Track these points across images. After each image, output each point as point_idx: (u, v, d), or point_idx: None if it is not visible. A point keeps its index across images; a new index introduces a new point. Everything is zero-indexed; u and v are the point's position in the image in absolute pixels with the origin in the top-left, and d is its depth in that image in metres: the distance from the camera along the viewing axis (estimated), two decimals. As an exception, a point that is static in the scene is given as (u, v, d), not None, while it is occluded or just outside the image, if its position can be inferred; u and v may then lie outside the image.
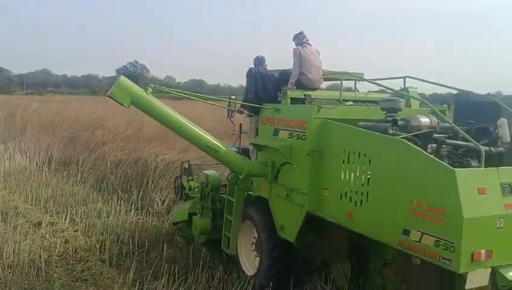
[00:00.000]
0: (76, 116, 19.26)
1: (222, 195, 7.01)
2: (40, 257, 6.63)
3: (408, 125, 4.73)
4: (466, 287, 3.82)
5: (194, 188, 7.66)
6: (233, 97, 6.84)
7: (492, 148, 4.66)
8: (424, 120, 4.78)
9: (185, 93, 7.06)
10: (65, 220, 8.58)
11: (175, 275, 6.27)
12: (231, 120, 6.90)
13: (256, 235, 6.27)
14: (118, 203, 9.70)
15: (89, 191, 10.96)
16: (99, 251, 7.26)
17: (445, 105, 5.99)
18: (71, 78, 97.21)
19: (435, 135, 4.77)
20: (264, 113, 6.15)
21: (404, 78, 5.81)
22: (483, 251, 3.72)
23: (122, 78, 5.89)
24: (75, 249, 7.23)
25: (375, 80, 6.08)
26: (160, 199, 9.84)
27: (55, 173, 12.90)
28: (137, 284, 6.10)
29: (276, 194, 5.81)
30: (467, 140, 4.47)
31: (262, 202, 6.10)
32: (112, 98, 5.83)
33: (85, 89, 74.28)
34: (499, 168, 4.04)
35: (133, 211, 9.03)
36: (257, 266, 6.18)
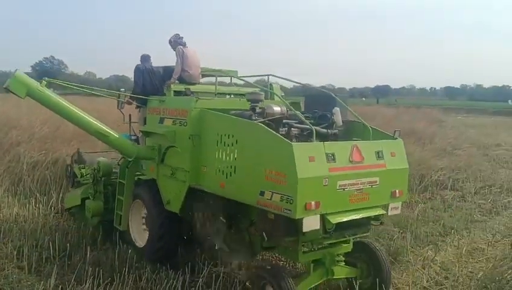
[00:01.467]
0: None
1: (113, 180, 7.65)
2: (-51, 268, 6.16)
3: (264, 113, 5.77)
4: (303, 230, 4.92)
5: (86, 175, 8.29)
6: (122, 90, 7.79)
7: (329, 130, 6.00)
8: (276, 108, 5.83)
9: (78, 87, 7.85)
10: (-24, 227, 8.03)
11: (100, 278, 6.05)
12: (121, 111, 7.77)
13: (146, 212, 7.05)
14: (36, 206, 9.20)
15: (4, 195, 10.26)
16: (17, 258, 6.83)
17: (303, 97, 7.23)
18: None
19: (285, 120, 5.81)
20: (150, 104, 7.04)
21: (268, 76, 6.89)
22: (313, 202, 4.83)
23: (18, 72, 6.48)
24: (-11, 258, 6.78)
25: (244, 76, 7.35)
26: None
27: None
28: (59, 290, 5.83)
29: (163, 174, 6.67)
30: (312, 124, 5.71)
31: (151, 183, 6.97)
32: (8, 90, 6.40)
33: (-3, 87, 69.52)
34: (325, 142, 5.20)
35: (52, 215, 8.63)
36: (146, 238, 6.94)
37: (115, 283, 6.01)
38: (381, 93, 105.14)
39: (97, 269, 6.27)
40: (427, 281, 6.71)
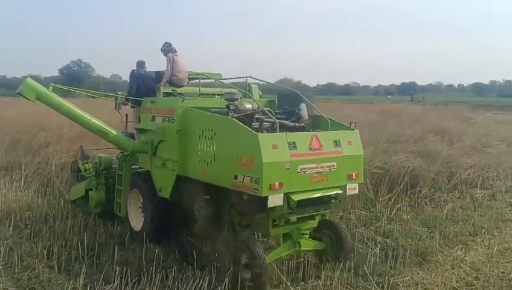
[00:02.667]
0: (18, 119, 18.39)
1: (113, 172, 8.65)
2: (-17, 267, 6.32)
3: (237, 109, 6.70)
4: (268, 206, 5.80)
5: (89, 169, 9.15)
6: (119, 93, 8.69)
7: (297, 124, 6.86)
8: (248, 106, 6.79)
9: (79, 90, 9.47)
10: (9, 227, 8.21)
11: (127, 277, 6.13)
12: (118, 111, 8.60)
13: (142, 200, 7.91)
14: (64, 207, 9.40)
15: (34, 196, 10.54)
16: (47, 258, 6.98)
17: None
18: (11, 79, 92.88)
19: (258, 116, 6.72)
20: (144, 105, 7.96)
21: (246, 77, 7.67)
22: (277, 183, 5.73)
23: (29, 79, 7.61)
24: (21, 257, 6.91)
25: (224, 79, 8.44)
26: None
27: (-5, 180, 12.31)
28: (88, 289, 5.92)
29: (155, 165, 7.57)
30: (283, 119, 6.80)
31: (146, 174, 7.83)
32: (21, 95, 7.49)
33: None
34: (287, 133, 6.13)
35: (81, 215, 8.77)
36: (142, 222, 7.79)
37: (142, 282, 6.08)
38: (407, 90, 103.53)
39: (125, 268, 6.37)
40: (456, 282, 6.58)
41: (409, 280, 6.54)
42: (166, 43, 8.13)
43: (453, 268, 6.99)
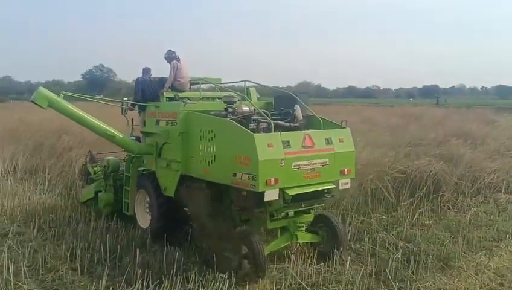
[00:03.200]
0: (41, 123, 18.76)
1: (121, 174, 9.09)
2: (8, 268, 6.42)
3: (235, 112, 7.11)
4: (264, 200, 6.20)
5: (98, 172, 9.55)
6: (125, 98, 9.08)
7: (291, 124, 7.28)
8: (245, 108, 7.22)
9: (88, 97, 9.68)
10: (33, 229, 8.39)
11: (149, 279, 6.19)
12: (125, 116, 9.02)
13: (148, 199, 8.30)
14: (87, 210, 9.53)
15: (57, 198, 10.73)
16: (70, 260, 7.09)
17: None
18: (35, 84, 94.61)
19: (255, 117, 7.04)
20: (148, 109, 8.36)
21: (244, 81, 7.97)
22: (272, 179, 6.14)
23: (41, 88, 8.06)
24: (45, 259, 7.04)
25: (224, 83, 8.78)
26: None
27: (21, 182, 12.57)
28: (110, 291, 6.00)
29: (160, 166, 7.97)
30: (279, 119, 7.28)
31: (152, 175, 8.21)
32: (34, 103, 7.88)
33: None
34: (281, 132, 6.55)
35: (103, 217, 8.88)
36: (149, 220, 8.21)
37: (163, 284, 6.12)
38: (429, 93, 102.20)
39: (146, 270, 6.41)
40: (480, 288, 6.46)
41: (431, 285, 6.46)
42: (170, 50, 8.53)
43: (476, 274, 6.87)
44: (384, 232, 8.60)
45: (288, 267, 6.84)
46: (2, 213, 9.62)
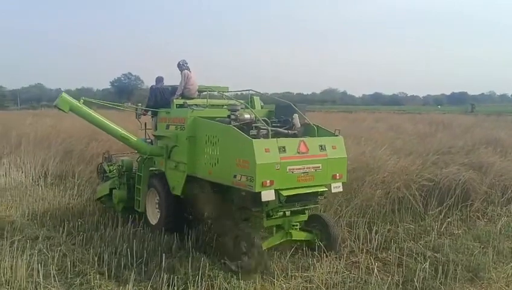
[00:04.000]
0: (71, 130, 19.18)
1: (134, 174, 9.74)
2: (38, 272, 6.58)
3: (237, 119, 7.60)
4: (262, 200, 6.75)
5: (113, 171, 10.34)
6: (139, 104, 9.69)
7: (290, 131, 7.78)
8: (246, 116, 7.72)
9: (105, 103, 10.15)
10: (62, 233, 8.56)
11: (174, 285, 6.24)
12: (139, 120, 9.64)
13: (158, 198, 8.90)
14: (115, 215, 9.68)
15: (86, 203, 10.93)
16: (98, 264, 7.20)
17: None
18: (65, 92, 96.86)
19: (255, 124, 7.55)
20: (160, 115, 9.00)
21: (249, 90, 8.87)
22: (268, 181, 6.68)
23: (64, 94, 8.84)
24: (73, 263, 7.18)
25: (229, 92, 9.51)
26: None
27: (51, 187, 12.85)
28: (136, 296, 6.07)
29: (169, 166, 8.60)
30: (278, 127, 7.82)
31: (161, 174, 8.88)
32: (57, 107, 8.73)
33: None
34: (278, 139, 7.05)
35: (130, 222, 9.00)
36: (158, 217, 8.84)
37: (188, 290, 6.15)
38: (457, 100, 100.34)
39: (172, 276, 6.48)
40: (512, 300, 6.28)
41: (460, 296, 6.31)
42: (183, 60, 9.22)
43: (507, 286, 6.71)
44: (412, 242, 8.45)
45: (313, 275, 6.80)
46: (33, 217, 9.86)
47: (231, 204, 7.75)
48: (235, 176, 6.93)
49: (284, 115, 8.20)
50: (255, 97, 9.18)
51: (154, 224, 8.87)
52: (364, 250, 7.92)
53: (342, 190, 7.75)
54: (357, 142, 13.25)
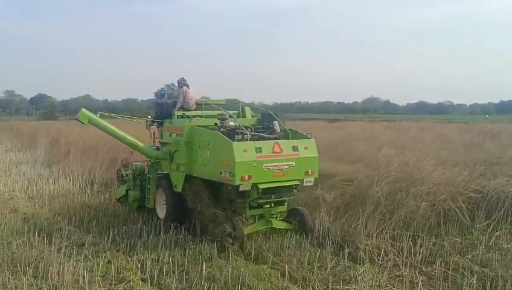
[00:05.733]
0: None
1: (146, 176, 11.09)
2: (84, 277, 6.77)
3: (223, 126, 8.97)
4: (239, 190, 8.25)
5: (129, 175, 11.70)
6: (149, 117, 11.18)
7: (271, 136, 9.15)
8: (231, 123, 9.07)
9: (118, 116, 12.12)
10: (107, 240, 8.79)
11: (215, 294, 6.26)
12: (149, 130, 11.04)
13: (164, 195, 10.28)
14: (157, 222, 9.85)
15: (130, 211, 11.19)
16: (141, 271, 7.35)
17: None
18: (112, 102, 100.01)
19: (240, 130, 8.89)
20: (164, 125, 10.51)
21: (239, 103, 10.66)
22: (246, 176, 8.13)
23: (83, 109, 10.49)
24: (117, 269, 7.34)
25: (222, 104, 10.55)
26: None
27: (97, 195, 13.24)
28: (177, 304, 6.13)
29: (172, 168, 10.00)
30: (261, 132, 9.36)
31: (166, 175, 10.27)
32: (77, 120, 10.36)
33: (125, 112, 76.01)
34: (254, 141, 8.58)
35: (172, 230, 9.13)
36: (165, 212, 10.14)
37: (228, 299, 6.17)
38: (506, 109, 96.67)
39: (212, 284, 6.52)
40: None
41: (510, 314, 6.03)
42: (182, 78, 10.63)
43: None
44: (458, 256, 8.14)
45: (355, 288, 6.68)
46: (79, 224, 10.18)
47: (223, 198, 9.07)
48: (221, 173, 8.39)
49: (267, 122, 9.61)
50: (246, 108, 10.63)
51: (162, 218, 10.15)
52: (408, 264, 7.71)
53: (312, 184, 9.22)
54: (401, 152, 12.94)
